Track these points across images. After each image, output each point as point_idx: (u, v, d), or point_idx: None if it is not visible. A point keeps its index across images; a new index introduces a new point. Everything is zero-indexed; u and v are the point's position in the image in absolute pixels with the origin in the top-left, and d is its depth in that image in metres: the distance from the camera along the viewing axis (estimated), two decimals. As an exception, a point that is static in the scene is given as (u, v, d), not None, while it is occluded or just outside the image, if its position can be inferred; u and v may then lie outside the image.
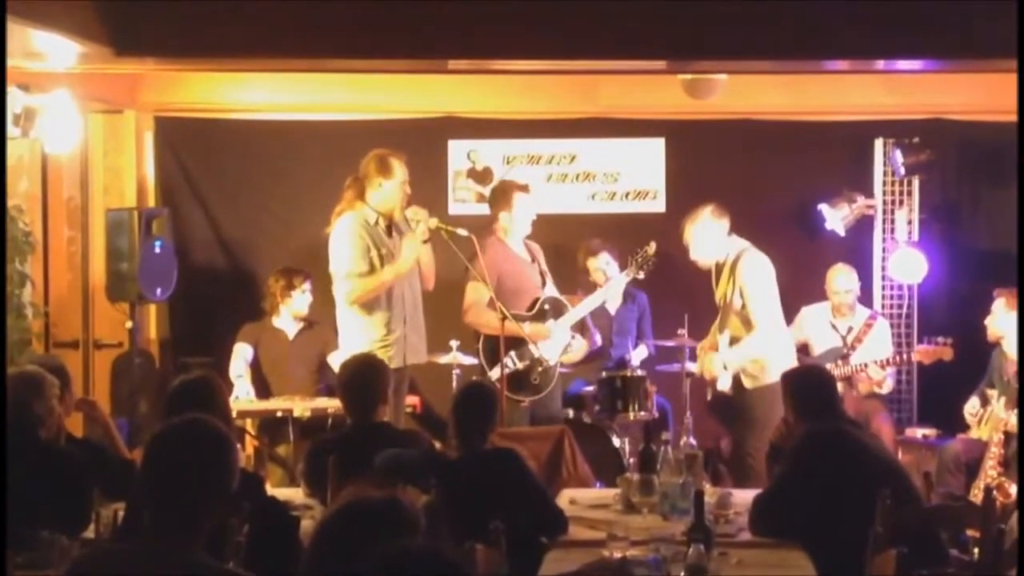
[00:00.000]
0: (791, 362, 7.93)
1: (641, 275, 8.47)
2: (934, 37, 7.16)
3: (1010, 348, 8.30)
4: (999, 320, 8.35)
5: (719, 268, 8.13)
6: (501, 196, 8.41)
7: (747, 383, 7.99)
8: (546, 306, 8.28)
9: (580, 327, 8.54)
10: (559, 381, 8.40)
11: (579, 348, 8.53)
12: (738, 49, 7.37)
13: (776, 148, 9.68)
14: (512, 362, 8.02)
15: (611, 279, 8.86)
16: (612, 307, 9.16)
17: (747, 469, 7.98)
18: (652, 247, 8.37)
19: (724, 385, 8.10)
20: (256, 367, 8.66)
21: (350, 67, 8.32)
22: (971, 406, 8.36)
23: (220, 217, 9.85)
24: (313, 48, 7.32)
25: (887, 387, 8.96)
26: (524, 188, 8.43)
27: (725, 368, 8.03)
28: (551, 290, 8.40)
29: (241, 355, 8.60)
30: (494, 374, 7.97)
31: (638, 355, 9.12)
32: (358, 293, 7.62)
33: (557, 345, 8.25)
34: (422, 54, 7.48)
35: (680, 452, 6.02)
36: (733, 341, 7.99)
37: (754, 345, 7.91)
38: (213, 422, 3.48)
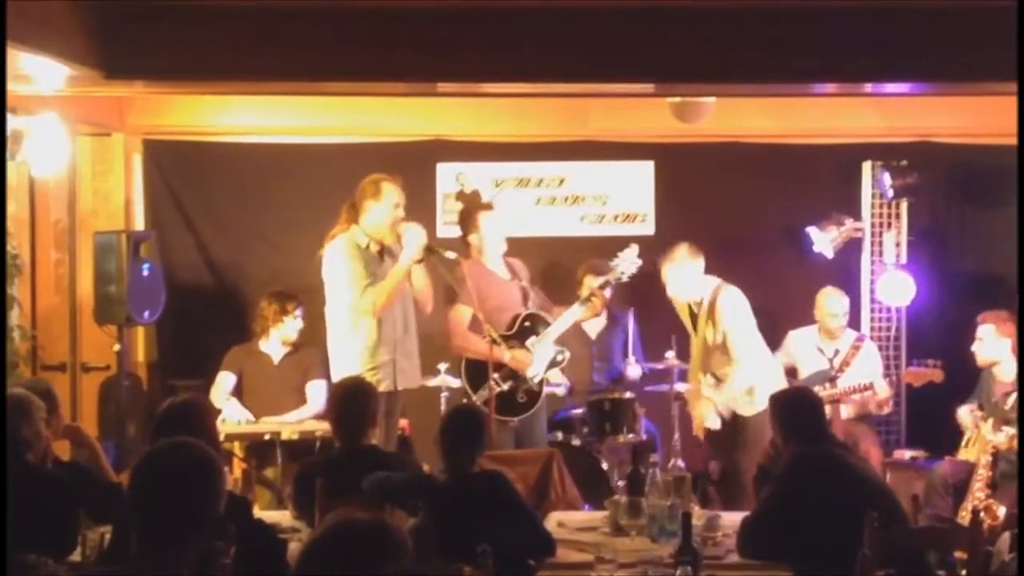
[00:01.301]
0: (780, 386, 8.02)
1: (624, 278, 8.44)
2: (924, 60, 7.19)
3: (1002, 372, 8.29)
4: (990, 346, 8.33)
5: (693, 312, 8.25)
6: (467, 218, 8.46)
7: (740, 412, 8.12)
8: (527, 323, 8.28)
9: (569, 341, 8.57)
10: (545, 403, 8.41)
11: (566, 359, 8.54)
12: (726, 72, 7.39)
13: (764, 171, 9.69)
14: (496, 384, 8.01)
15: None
16: (593, 331, 9.12)
17: (742, 491, 8.03)
18: (634, 249, 8.36)
19: (715, 424, 8.20)
20: (239, 390, 8.65)
21: (339, 90, 8.32)
22: (966, 412, 8.34)
23: (208, 240, 9.84)
24: (302, 71, 7.33)
25: (888, 408, 8.96)
26: (487, 207, 8.46)
27: (717, 410, 8.11)
28: (533, 307, 8.40)
29: (222, 387, 8.58)
30: (478, 398, 7.98)
31: (633, 371, 9.03)
32: (376, 302, 7.59)
33: (541, 363, 8.25)
34: (411, 77, 7.49)
35: (668, 474, 6.03)
36: (719, 380, 8.09)
37: (740, 379, 8.09)
38: (199, 445, 3.47)
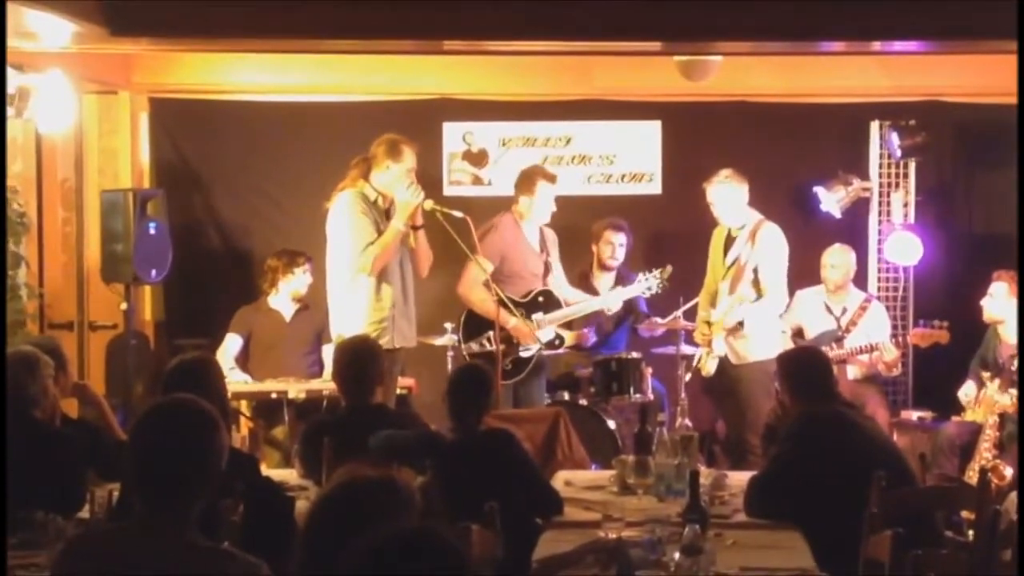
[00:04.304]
0: (774, 341, 8.04)
1: (647, 295, 8.51)
2: (931, 18, 7.15)
3: (1007, 332, 8.29)
4: (999, 304, 8.32)
5: (728, 237, 8.33)
6: (526, 180, 8.44)
7: (733, 359, 8.22)
8: (540, 298, 8.31)
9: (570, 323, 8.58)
10: (547, 364, 8.43)
11: (566, 342, 8.56)
12: (734, 31, 7.36)
13: (772, 130, 9.65)
14: (488, 343, 8.02)
15: (615, 264, 8.90)
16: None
17: (747, 453, 8.06)
18: (668, 270, 8.39)
19: (712, 367, 8.25)
20: (250, 349, 8.67)
21: (345, 48, 8.29)
22: (964, 392, 8.35)
23: (215, 199, 9.83)
24: (308, 29, 7.30)
25: (898, 370, 8.94)
26: (551, 177, 8.48)
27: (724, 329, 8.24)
28: (552, 283, 8.42)
29: (228, 350, 8.60)
30: (466, 350, 8.07)
31: (644, 331, 9.03)
32: (374, 260, 7.55)
33: (539, 341, 8.28)
34: (417, 35, 7.46)
35: (676, 434, 6.02)
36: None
37: (763, 310, 8.18)
38: (197, 402, 3.45)
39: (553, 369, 8.79)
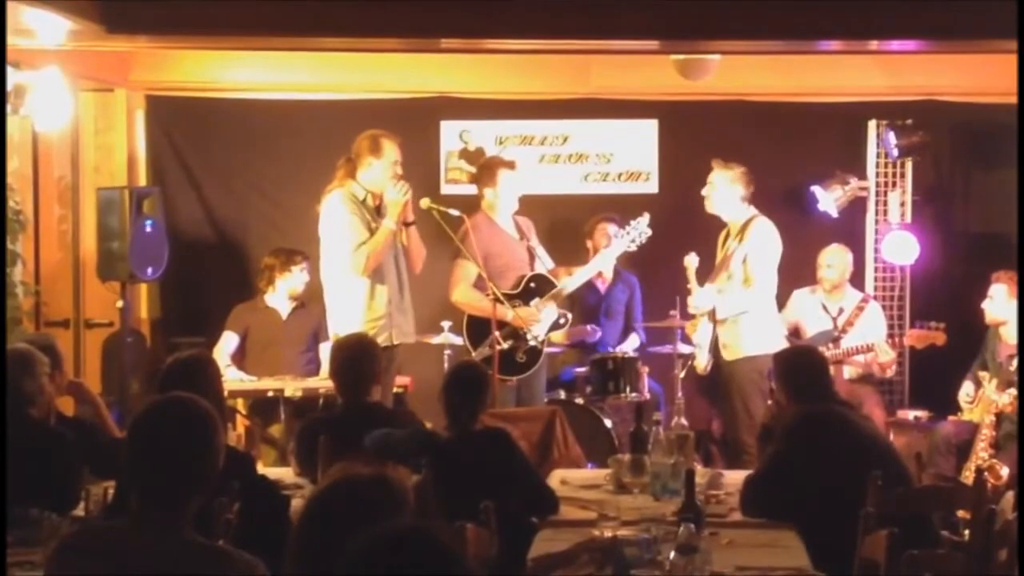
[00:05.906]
0: (767, 336, 8.01)
1: (633, 247, 8.44)
2: (930, 17, 7.15)
3: (1008, 334, 8.28)
4: (999, 306, 8.32)
5: (726, 232, 8.34)
6: (486, 173, 8.41)
7: (724, 355, 8.22)
8: (532, 284, 8.26)
9: (570, 306, 8.55)
10: (546, 361, 8.40)
11: (567, 326, 8.54)
12: (731, 29, 7.36)
13: (769, 129, 9.65)
14: (497, 342, 7.99)
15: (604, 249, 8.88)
16: (602, 285, 9.13)
17: (741, 452, 8.05)
18: (645, 218, 8.34)
19: (702, 361, 8.23)
20: (246, 347, 8.67)
21: (342, 46, 8.29)
22: (965, 392, 8.36)
23: (211, 196, 9.83)
24: (305, 27, 7.30)
25: (892, 371, 8.93)
26: (510, 164, 8.41)
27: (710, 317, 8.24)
28: (540, 267, 8.39)
29: (224, 348, 8.59)
30: (478, 354, 7.96)
31: (630, 344, 9.05)
32: (367, 260, 7.56)
33: (545, 323, 8.24)
34: (415, 33, 7.45)
35: (671, 433, 6.02)
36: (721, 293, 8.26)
37: (747, 301, 8.16)
38: (196, 400, 3.46)
39: (550, 368, 8.78)
